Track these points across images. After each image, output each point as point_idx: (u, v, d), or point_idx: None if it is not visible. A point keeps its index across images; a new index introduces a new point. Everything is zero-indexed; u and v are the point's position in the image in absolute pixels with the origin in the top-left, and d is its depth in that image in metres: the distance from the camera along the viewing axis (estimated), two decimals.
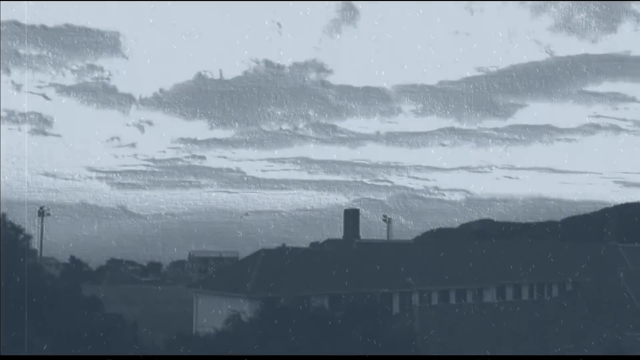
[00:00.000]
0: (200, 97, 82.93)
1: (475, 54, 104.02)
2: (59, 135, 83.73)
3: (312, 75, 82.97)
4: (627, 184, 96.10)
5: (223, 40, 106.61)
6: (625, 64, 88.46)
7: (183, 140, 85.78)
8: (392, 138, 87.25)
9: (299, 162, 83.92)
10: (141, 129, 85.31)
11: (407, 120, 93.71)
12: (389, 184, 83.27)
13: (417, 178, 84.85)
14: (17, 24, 76.62)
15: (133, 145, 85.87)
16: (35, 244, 55.53)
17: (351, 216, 58.36)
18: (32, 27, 77.61)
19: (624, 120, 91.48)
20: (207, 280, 60.26)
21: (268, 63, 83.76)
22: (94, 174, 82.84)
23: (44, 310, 34.19)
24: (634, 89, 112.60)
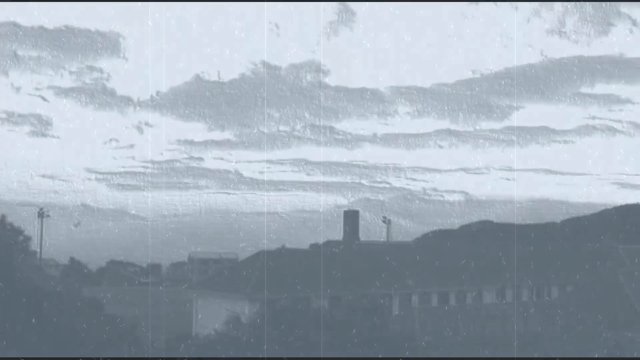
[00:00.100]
0: (197, 98, 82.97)
1: (470, 57, 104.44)
2: (58, 137, 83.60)
3: (309, 77, 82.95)
4: (624, 186, 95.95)
5: (220, 42, 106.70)
6: (618, 66, 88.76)
7: (181, 141, 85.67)
8: (389, 139, 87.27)
9: (297, 163, 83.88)
10: (140, 130, 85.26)
11: (403, 121, 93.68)
12: (387, 186, 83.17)
13: (415, 180, 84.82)
14: (15, 25, 76.55)
15: (131, 146, 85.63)
16: (35, 245, 55.47)
17: (351, 217, 58.37)
18: (31, 28, 77.57)
19: (620, 122, 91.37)
20: (207, 282, 60.19)
21: (265, 64, 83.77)
22: (93, 176, 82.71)
23: (44, 312, 34.15)
24: (628, 90, 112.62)
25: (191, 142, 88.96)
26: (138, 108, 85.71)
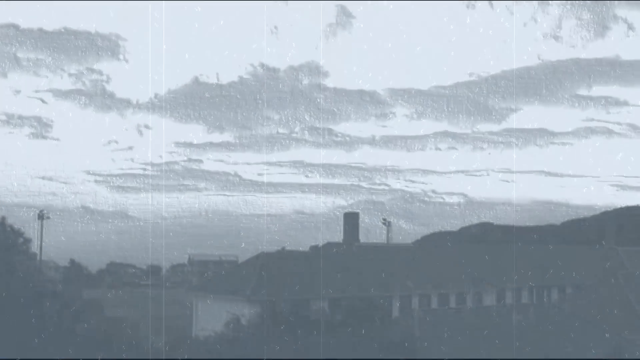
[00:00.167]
0: (197, 100, 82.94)
1: (467, 59, 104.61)
2: (57, 139, 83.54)
3: (308, 79, 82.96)
4: (624, 188, 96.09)
5: (219, 44, 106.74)
6: (615, 68, 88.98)
7: (180, 143, 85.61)
8: (387, 142, 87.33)
9: (296, 165, 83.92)
10: (139, 132, 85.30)
11: (402, 124, 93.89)
12: (387, 187, 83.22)
13: (414, 181, 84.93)
14: (15, 27, 76.54)
15: (131, 148, 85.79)
16: (35, 247, 55.47)
17: (351, 219, 58.39)
18: (30, 30, 77.53)
19: (618, 124, 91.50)
20: (206, 284, 60.22)
21: (264, 67, 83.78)
22: (92, 178, 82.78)
23: (44, 314, 34.19)
24: (625, 92, 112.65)
25: (190, 144, 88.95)
26: (137, 110, 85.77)
